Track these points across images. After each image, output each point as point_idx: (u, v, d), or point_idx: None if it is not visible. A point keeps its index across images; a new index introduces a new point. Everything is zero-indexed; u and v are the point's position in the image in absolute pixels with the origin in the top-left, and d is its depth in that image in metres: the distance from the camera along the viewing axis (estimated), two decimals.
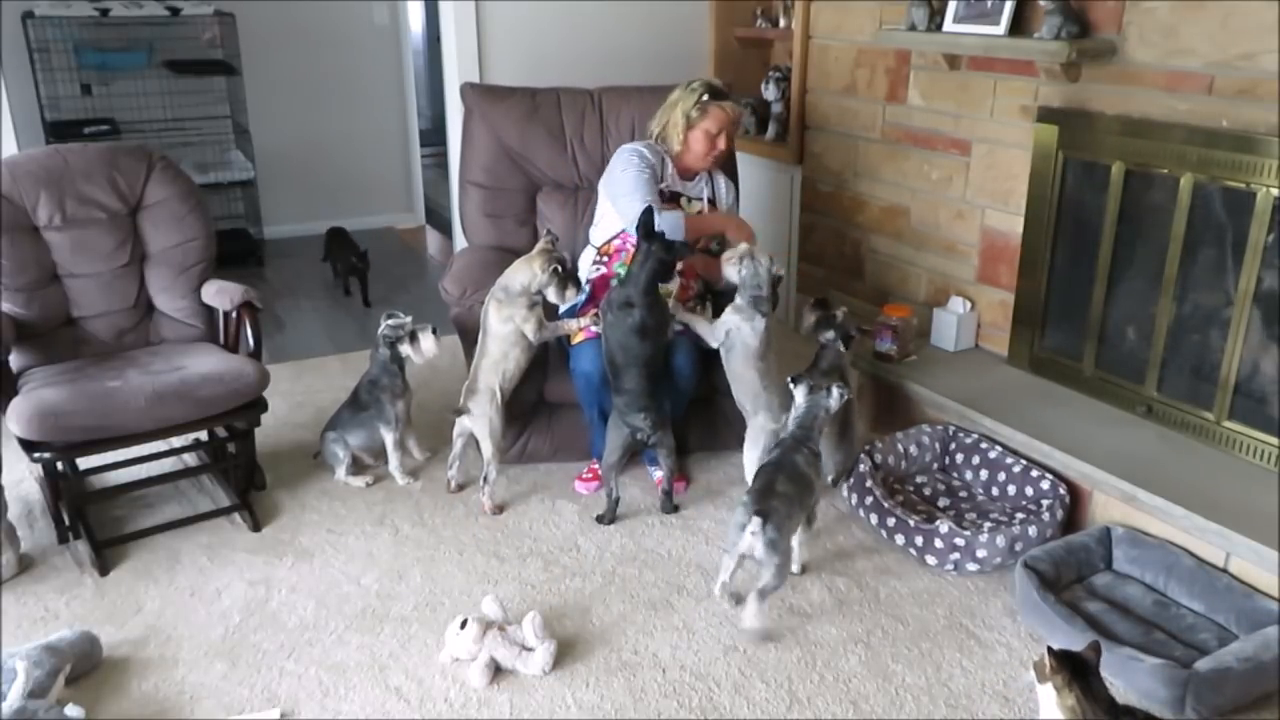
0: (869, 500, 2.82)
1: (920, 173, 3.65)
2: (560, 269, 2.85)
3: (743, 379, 2.86)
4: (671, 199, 3.08)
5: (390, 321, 3.10)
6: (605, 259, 3.12)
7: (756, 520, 2.32)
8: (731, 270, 2.84)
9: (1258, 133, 2.58)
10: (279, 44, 5.61)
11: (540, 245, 2.89)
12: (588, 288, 3.11)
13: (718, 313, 2.95)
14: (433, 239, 6.17)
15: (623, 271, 3.02)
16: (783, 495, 2.40)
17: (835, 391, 2.57)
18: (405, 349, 3.08)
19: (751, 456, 2.88)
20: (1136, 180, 2.93)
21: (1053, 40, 2.89)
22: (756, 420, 2.88)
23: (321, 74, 5.80)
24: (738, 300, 2.84)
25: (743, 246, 2.86)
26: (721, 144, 3.09)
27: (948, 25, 3.26)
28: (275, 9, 5.53)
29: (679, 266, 2.90)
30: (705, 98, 3.05)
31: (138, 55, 5.23)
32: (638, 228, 2.79)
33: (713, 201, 3.18)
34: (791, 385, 2.63)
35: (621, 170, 3.03)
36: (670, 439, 2.87)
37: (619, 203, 3.00)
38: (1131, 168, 2.92)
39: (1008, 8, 3.07)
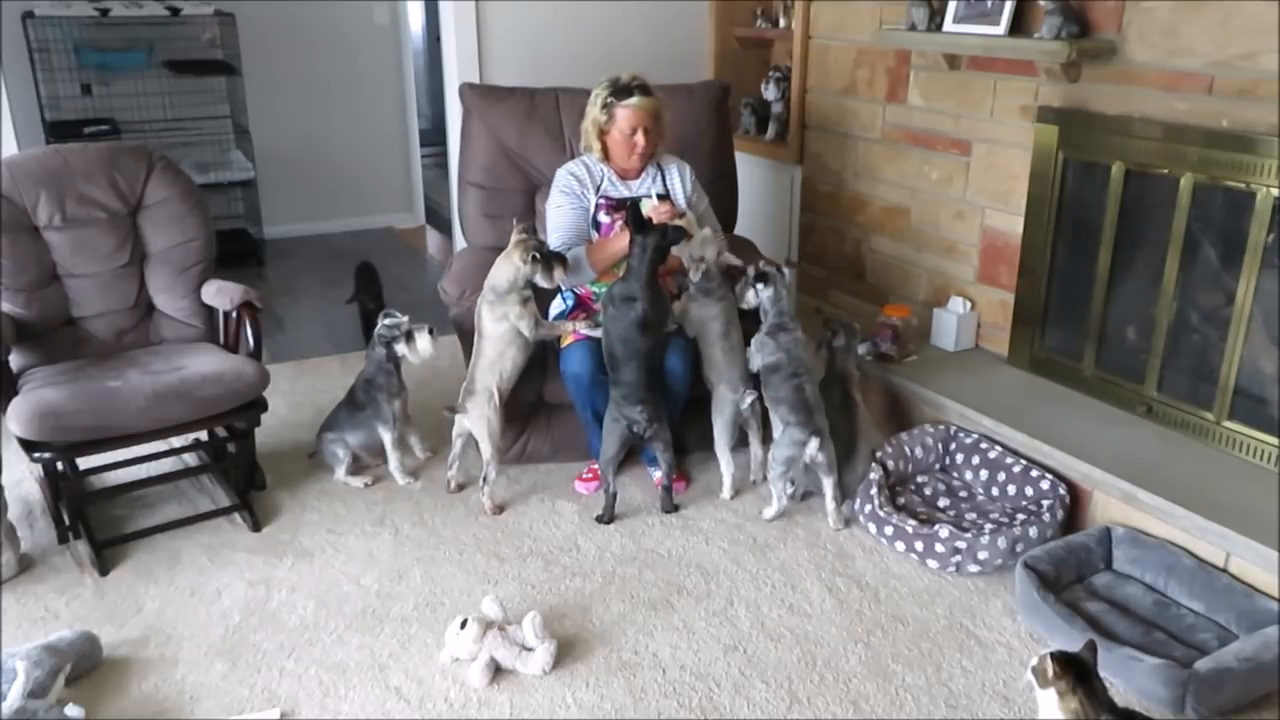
0: (868, 509, 2.82)
1: (920, 173, 3.65)
2: (539, 254, 2.84)
3: (709, 357, 2.98)
4: (617, 206, 3.03)
5: (386, 321, 3.09)
6: None
7: (814, 441, 2.82)
8: (686, 262, 2.92)
9: (1258, 133, 2.58)
10: (279, 44, 5.62)
11: (514, 238, 2.88)
12: (572, 297, 3.11)
13: None
14: (433, 239, 6.17)
15: (597, 289, 3.03)
16: (816, 400, 2.88)
17: (786, 270, 3.01)
18: (401, 348, 3.08)
19: (719, 423, 3.01)
20: (1136, 180, 2.93)
21: (1053, 40, 2.89)
22: (719, 390, 3.00)
23: (321, 74, 5.81)
24: (691, 289, 2.95)
25: (693, 247, 2.88)
26: (640, 140, 2.97)
27: (948, 25, 3.26)
28: (275, 9, 5.53)
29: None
30: (610, 100, 2.96)
31: (138, 55, 5.23)
32: (626, 224, 2.84)
33: (665, 195, 3.08)
34: (759, 286, 2.95)
35: (549, 200, 3.10)
36: (666, 433, 2.89)
37: (549, 237, 3.08)
38: (1131, 168, 2.92)
39: (1008, 8, 3.07)
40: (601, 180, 3.07)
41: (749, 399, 2.98)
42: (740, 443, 3.12)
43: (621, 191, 3.08)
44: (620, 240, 2.94)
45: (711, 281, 2.93)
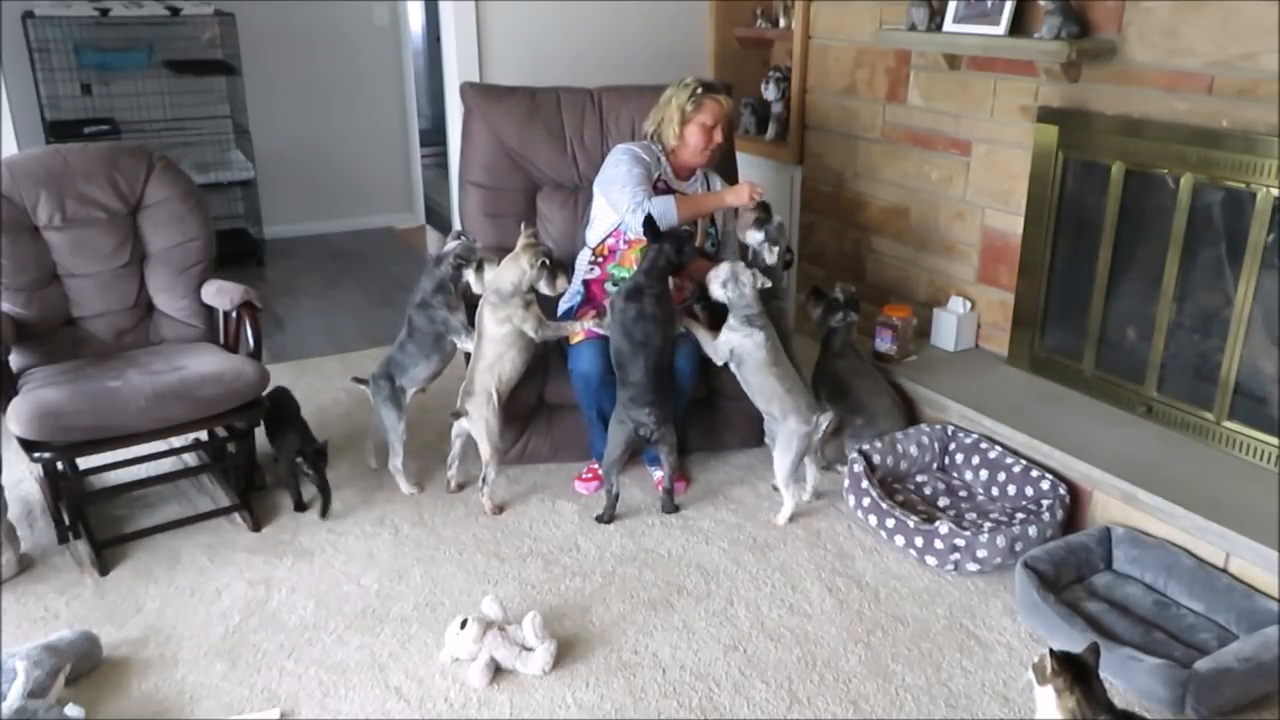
0: (867, 502, 2.83)
1: (920, 173, 3.65)
2: (547, 260, 2.85)
3: (763, 388, 2.87)
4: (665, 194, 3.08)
5: (464, 242, 3.00)
6: (600, 259, 3.13)
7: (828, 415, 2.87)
8: (718, 291, 2.87)
9: (1258, 133, 2.58)
10: (279, 44, 5.62)
11: (522, 241, 2.89)
12: (583, 289, 3.12)
13: (713, 318, 2.99)
14: (433, 239, 6.17)
15: (617, 273, 3.04)
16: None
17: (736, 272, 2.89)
18: (469, 274, 2.96)
19: (784, 462, 2.87)
20: (1136, 180, 2.93)
21: (1053, 40, 2.90)
22: (787, 425, 2.86)
23: (321, 74, 5.81)
24: (731, 320, 2.86)
25: (724, 267, 2.87)
26: (718, 136, 3.09)
27: (948, 25, 3.26)
28: (275, 9, 5.53)
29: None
30: (699, 91, 3.06)
31: (138, 55, 5.23)
32: (644, 230, 2.84)
33: None
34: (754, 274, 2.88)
35: (614, 166, 3.06)
36: (673, 435, 2.88)
37: (610, 194, 3.03)
38: (1131, 168, 2.92)
39: (1008, 8, 3.07)
40: (660, 169, 3.11)
41: (824, 424, 2.85)
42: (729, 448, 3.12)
43: (671, 186, 3.12)
44: (712, 199, 3.07)
45: (752, 309, 2.84)
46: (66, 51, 5.06)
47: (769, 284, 2.90)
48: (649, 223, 2.85)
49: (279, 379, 3.59)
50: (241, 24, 5.21)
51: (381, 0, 5.91)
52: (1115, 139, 2.93)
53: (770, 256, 3.02)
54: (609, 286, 3.06)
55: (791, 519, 2.95)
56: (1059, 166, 3.11)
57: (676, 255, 2.86)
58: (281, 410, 3.10)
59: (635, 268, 2.92)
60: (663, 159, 3.12)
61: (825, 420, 2.86)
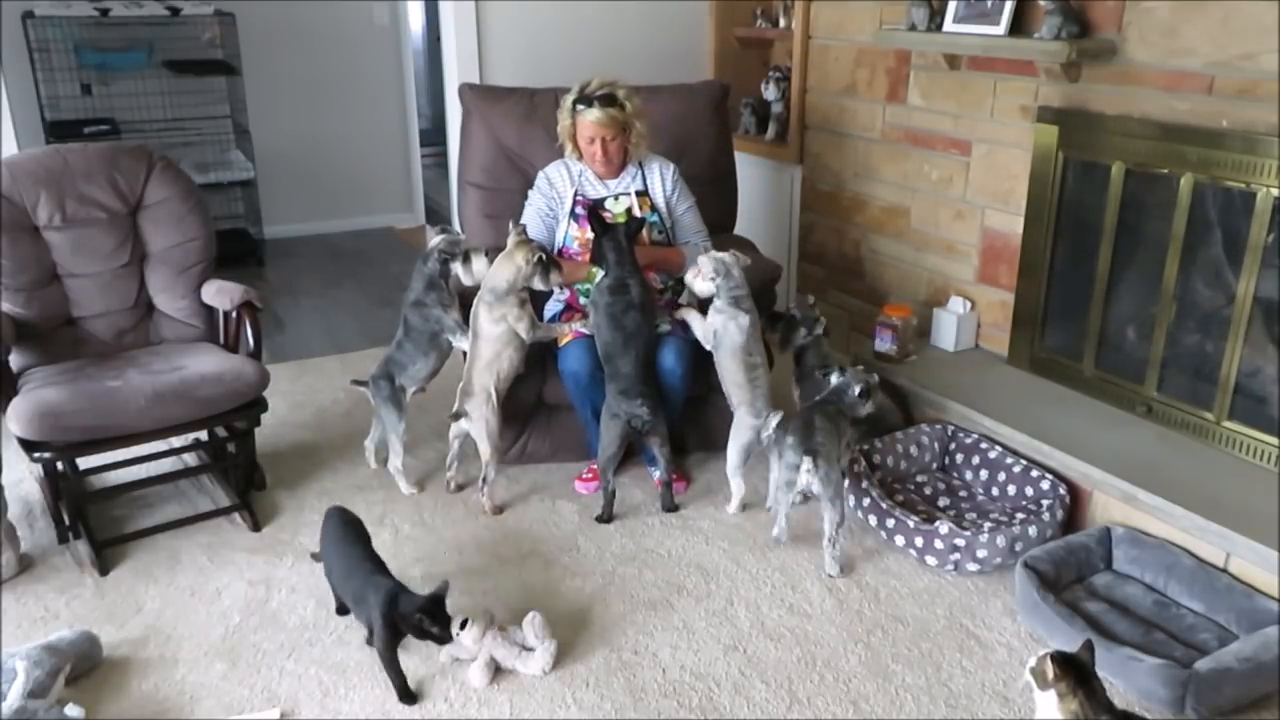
0: (867, 502, 2.83)
1: (920, 173, 3.65)
2: (541, 257, 2.86)
3: (730, 373, 2.89)
4: (595, 205, 3.05)
5: (447, 236, 3.01)
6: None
7: (808, 459, 2.60)
8: (704, 285, 2.87)
9: (1258, 133, 2.58)
10: (279, 44, 5.62)
11: (514, 239, 2.89)
12: (562, 302, 3.12)
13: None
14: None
15: (582, 285, 3.07)
16: (823, 430, 2.67)
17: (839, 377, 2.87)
18: (456, 267, 2.98)
19: (735, 447, 2.91)
20: (1136, 180, 2.93)
21: (1053, 40, 2.90)
22: (738, 414, 2.91)
23: (321, 74, 5.81)
24: (717, 303, 2.87)
25: (701, 261, 2.87)
26: (597, 151, 3.00)
27: (948, 25, 3.26)
28: (275, 9, 5.53)
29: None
30: (574, 106, 3.00)
31: (138, 55, 5.23)
32: (593, 229, 2.90)
33: (643, 193, 3.11)
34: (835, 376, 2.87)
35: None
36: (664, 426, 2.89)
37: None
38: (1131, 168, 2.92)
39: (1008, 8, 3.07)
40: (579, 179, 3.10)
41: (773, 423, 2.83)
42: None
43: (599, 190, 3.11)
44: (580, 269, 3.03)
45: (740, 289, 2.84)
46: (66, 51, 5.06)
47: (749, 262, 2.90)
48: (595, 217, 2.90)
49: (279, 379, 3.60)
50: (241, 24, 5.21)
51: (381, 0, 5.92)
52: (1115, 139, 2.93)
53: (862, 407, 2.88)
54: (584, 301, 3.07)
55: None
56: (1059, 166, 3.11)
57: (628, 229, 2.89)
58: (352, 543, 2.37)
59: (597, 274, 2.94)
60: (581, 166, 3.11)
61: (775, 419, 2.83)
